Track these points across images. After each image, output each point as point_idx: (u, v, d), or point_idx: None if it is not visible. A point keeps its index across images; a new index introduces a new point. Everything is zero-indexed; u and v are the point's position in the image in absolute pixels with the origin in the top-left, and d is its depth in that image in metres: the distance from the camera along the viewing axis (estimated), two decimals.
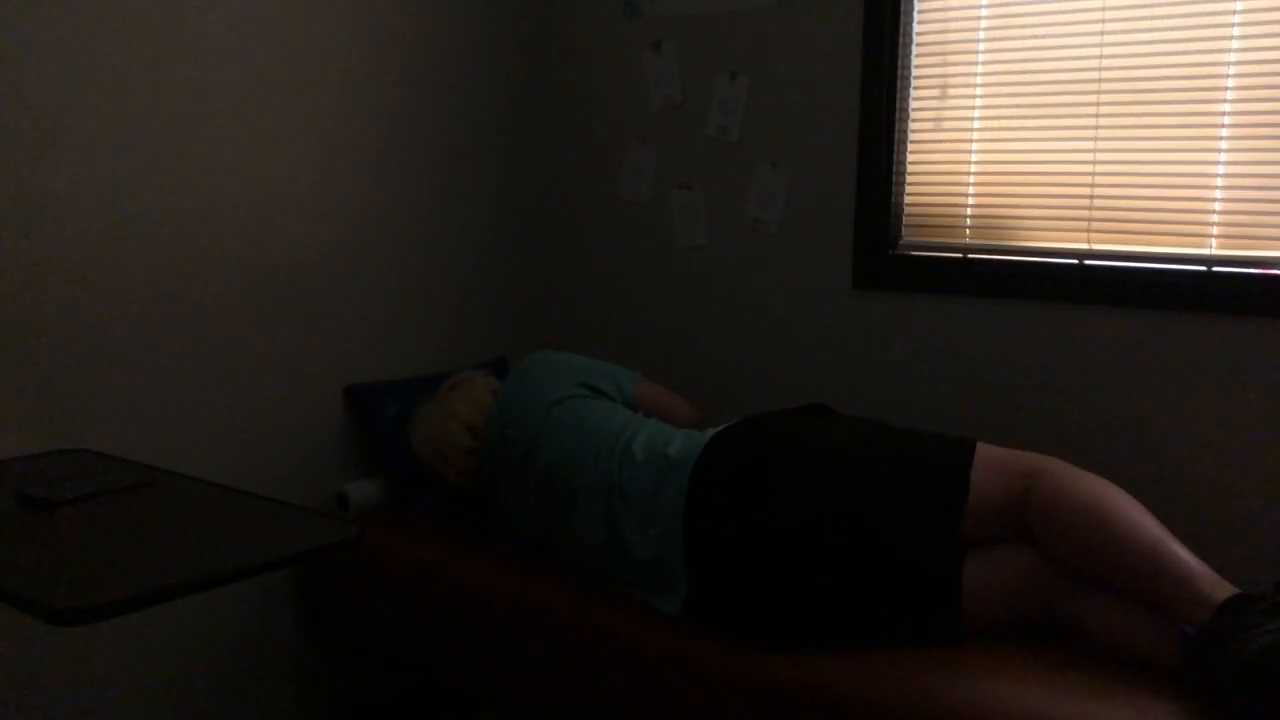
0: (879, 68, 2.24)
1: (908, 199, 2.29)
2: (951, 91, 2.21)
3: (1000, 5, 2.13)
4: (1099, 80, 2.03)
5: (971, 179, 2.21)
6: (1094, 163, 2.06)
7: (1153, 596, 1.47)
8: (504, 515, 2.06)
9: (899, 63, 2.24)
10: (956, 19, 2.18)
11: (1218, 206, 1.95)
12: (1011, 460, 1.64)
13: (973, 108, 2.19)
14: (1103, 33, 2.02)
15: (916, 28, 2.23)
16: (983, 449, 1.66)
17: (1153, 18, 1.97)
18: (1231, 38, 1.90)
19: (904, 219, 2.30)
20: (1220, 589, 1.42)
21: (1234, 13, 1.89)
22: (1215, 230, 1.95)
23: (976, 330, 2.20)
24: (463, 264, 2.54)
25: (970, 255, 2.22)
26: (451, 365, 2.48)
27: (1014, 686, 1.44)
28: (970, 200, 2.22)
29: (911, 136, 2.27)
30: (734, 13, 2.42)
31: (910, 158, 2.27)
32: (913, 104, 2.26)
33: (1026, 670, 1.49)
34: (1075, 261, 2.09)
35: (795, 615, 1.60)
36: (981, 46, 2.16)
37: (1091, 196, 2.07)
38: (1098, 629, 1.55)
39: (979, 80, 2.17)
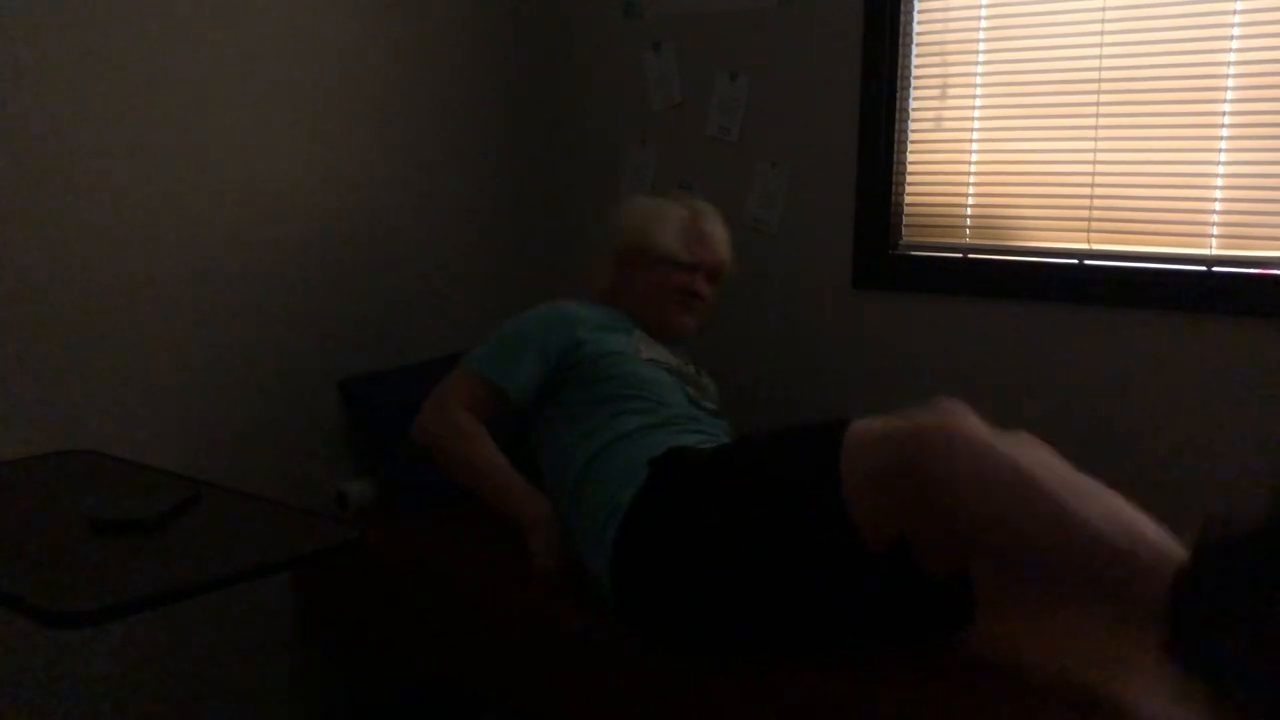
0: (879, 68, 2.24)
1: (908, 199, 2.29)
2: (951, 91, 2.21)
3: (1000, 5, 2.12)
4: (1099, 80, 2.03)
5: (971, 179, 2.21)
6: (1094, 163, 2.05)
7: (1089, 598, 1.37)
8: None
9: (899, 63, 2.24)
10: (956, 19, 2.18)
11: (1218, 206, 1.95)
12: (891, 428, 1.48)
13: (973, 108, 2.19)
14: (1103, 33, 2.01)
15: (916, 28, 2.23)
16: (858, 425, 1.51)
17: (1153, 18, 1.96)
18: (1231, 38, 1.90)
19: (904, 219, 2.30)
20: (1157, 574, 1.24)
21: (1234, 13, 1.89)
22: (1215, 230, 1.95)
23: (976, 330, 2.19)
24: (461, 264, 2.54)
25: (970, 255, 2.22)
26: (449, 364, 2.47)
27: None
28: (970, 200, 2.21)
29: (911, 136, 2.27)
30: (734, 13, 2.42)
31: (910, 158, 2.27)
32: (913, 104, 2.25)
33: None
34: (1075, 261, 2.09)
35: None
36: (981, 46, 2.16)
37: (1091, 196, 2.06)
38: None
39: (979, 80, 2.17)
